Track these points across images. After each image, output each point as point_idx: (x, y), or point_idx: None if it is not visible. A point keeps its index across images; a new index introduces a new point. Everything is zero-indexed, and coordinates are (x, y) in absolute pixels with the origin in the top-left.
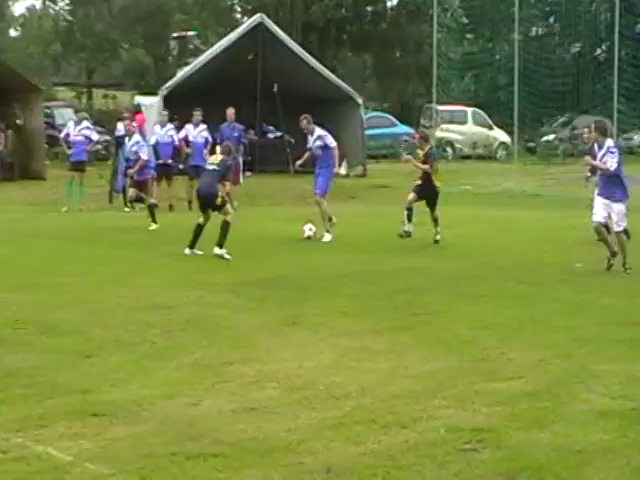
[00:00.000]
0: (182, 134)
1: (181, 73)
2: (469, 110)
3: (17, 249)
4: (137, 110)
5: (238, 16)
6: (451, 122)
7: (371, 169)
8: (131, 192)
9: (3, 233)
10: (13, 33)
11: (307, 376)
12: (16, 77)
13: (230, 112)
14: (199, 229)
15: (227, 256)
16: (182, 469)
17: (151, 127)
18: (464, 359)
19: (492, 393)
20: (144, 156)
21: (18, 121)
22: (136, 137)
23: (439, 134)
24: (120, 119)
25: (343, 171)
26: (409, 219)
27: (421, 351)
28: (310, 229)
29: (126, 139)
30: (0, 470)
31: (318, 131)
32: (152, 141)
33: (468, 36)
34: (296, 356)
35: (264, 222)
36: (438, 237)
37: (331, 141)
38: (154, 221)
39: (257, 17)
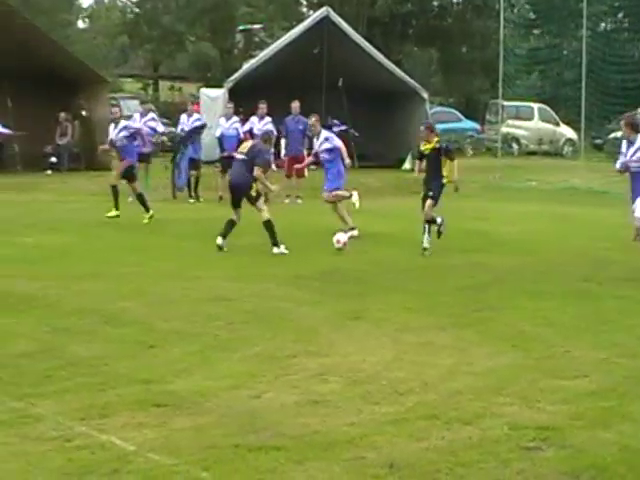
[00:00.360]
0: (247, 127)
1: (247, 66)
2: (535, 106)
3: (81, 239)
4: (195, 101)
5: (304, 10)
6: (517, 118)
7: None
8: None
9: (68, 223)
10: (81, 25)
11: (370, 370)
12: (83, 68)
13: (295, 105)
14: (231, 223)
15: (285, 251)
16: (244, 461)
17: (216, 119)
18: (528, 356)
19: (557, 391)
20: (136, 125)
21: (83, 112)
22: (123, 123)
23: (505, 129)
24: (184, 111)
25: (408, 166)
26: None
27: (485, 347)
28: (340, 241)
29: (112, 126)
30: (64, 458)
31: (325, 133)
32: (217, 133)
33: (535, 32)
34: (359, 350)
35: (327, 215)
36: (427, 244)
37: (337, 142)
38: (146, 209)
39: (323, 10)
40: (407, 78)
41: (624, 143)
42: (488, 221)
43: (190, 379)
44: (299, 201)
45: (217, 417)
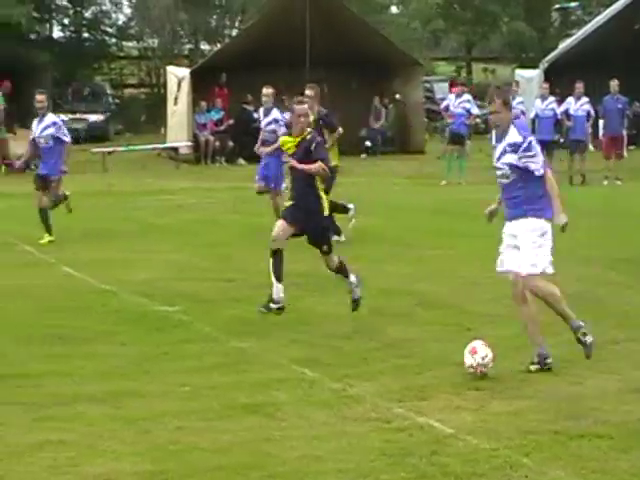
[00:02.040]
0: (563, 107)
1: (563, 45)
2: None
3: (387, 221)
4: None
5: None
6: None
7: None
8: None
9: (378, 206)
10: (394, 10)
11: None
12: (397, 52)
13: (614, 84)
14: None
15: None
16: (565, 448)
17: (532, 101)
18: None
19: None
20: (67, 139)
21: (397, 96)
22: (51, 117)
23: None
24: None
25: None
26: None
27: None
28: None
29: (35, 121)
30: (383, 439)
31: (275, 113)
32: (531, 115)
33: None
34: None
35: None
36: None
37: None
38: (48, 230)
39: None
40: None
41: (492, 134)
42: None
43: (508, 363)
44: (618, 182)
45: (535, 402)
